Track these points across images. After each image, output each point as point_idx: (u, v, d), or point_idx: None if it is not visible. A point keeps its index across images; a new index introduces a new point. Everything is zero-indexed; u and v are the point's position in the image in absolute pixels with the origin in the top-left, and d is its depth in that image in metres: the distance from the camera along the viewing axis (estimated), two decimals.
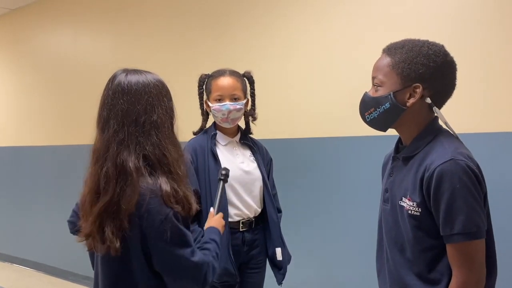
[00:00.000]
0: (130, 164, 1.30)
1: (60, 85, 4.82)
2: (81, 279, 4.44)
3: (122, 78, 1.38)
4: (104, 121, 1.36)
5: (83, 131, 4.19)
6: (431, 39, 1.43)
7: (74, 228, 1.65)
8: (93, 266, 1.52)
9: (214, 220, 1.67)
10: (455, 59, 1.41)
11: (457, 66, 1.42)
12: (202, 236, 1.57)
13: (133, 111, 1.34)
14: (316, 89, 3.00)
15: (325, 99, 2.94)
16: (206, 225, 1.66)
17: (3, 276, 4.92)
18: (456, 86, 1.43)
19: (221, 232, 1.63)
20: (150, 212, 1.29)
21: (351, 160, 2.84)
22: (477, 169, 1.30)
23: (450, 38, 2.44)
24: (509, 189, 2.29)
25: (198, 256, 1.35)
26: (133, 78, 1.38)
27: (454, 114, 2.38)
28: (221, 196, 1.79)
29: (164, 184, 1.31)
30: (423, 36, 1.45)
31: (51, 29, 4.96)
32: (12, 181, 5.38)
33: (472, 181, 1.27)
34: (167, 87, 1.44)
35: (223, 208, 1.87)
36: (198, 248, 1.43)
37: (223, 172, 1.88)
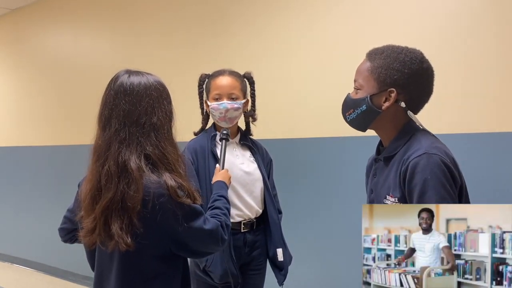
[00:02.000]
0: (131, 163, 1.33)
1: (60, 85, 4.83)
2: (81, 279, 4.44)
3: (124, 79, 1.41)
4: (105, 120, 1.39)
5: (83, 131, 4.18)
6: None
7: (67, 236, 1.66)
8: (91, 266, 1.53)
9: (220, 174, 1.83)
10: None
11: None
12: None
13: (134, 112, 1.37)
14: (316, 89, 3.00)
15: (325, 99, 2.94)
16: (214, 179, 1.82)
17: (3, 276, 4.92)
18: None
19: (228, 184, 1.80)
20: (162, 206, 1.32)
21: (351, 160, 2.84)
22: (451, 163, 1.34)
23: (452, 38, 2.45)
24: (506, 188, 2.29)
25: (210, 223, 1.43)
26: (135, 80, 1.41)
27: (453, 114, 2.39)
28: (224, 154, 1.94)
29: (169, 180, 1.34)
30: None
31: (51, 29, 4.96)
32: (12, 181, 5.38)
33: (444, 173, 1.31)
34: (167, 90, 1.47)
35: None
36: (208, 208, 1.59)
37: (225, 132, 2.03)
